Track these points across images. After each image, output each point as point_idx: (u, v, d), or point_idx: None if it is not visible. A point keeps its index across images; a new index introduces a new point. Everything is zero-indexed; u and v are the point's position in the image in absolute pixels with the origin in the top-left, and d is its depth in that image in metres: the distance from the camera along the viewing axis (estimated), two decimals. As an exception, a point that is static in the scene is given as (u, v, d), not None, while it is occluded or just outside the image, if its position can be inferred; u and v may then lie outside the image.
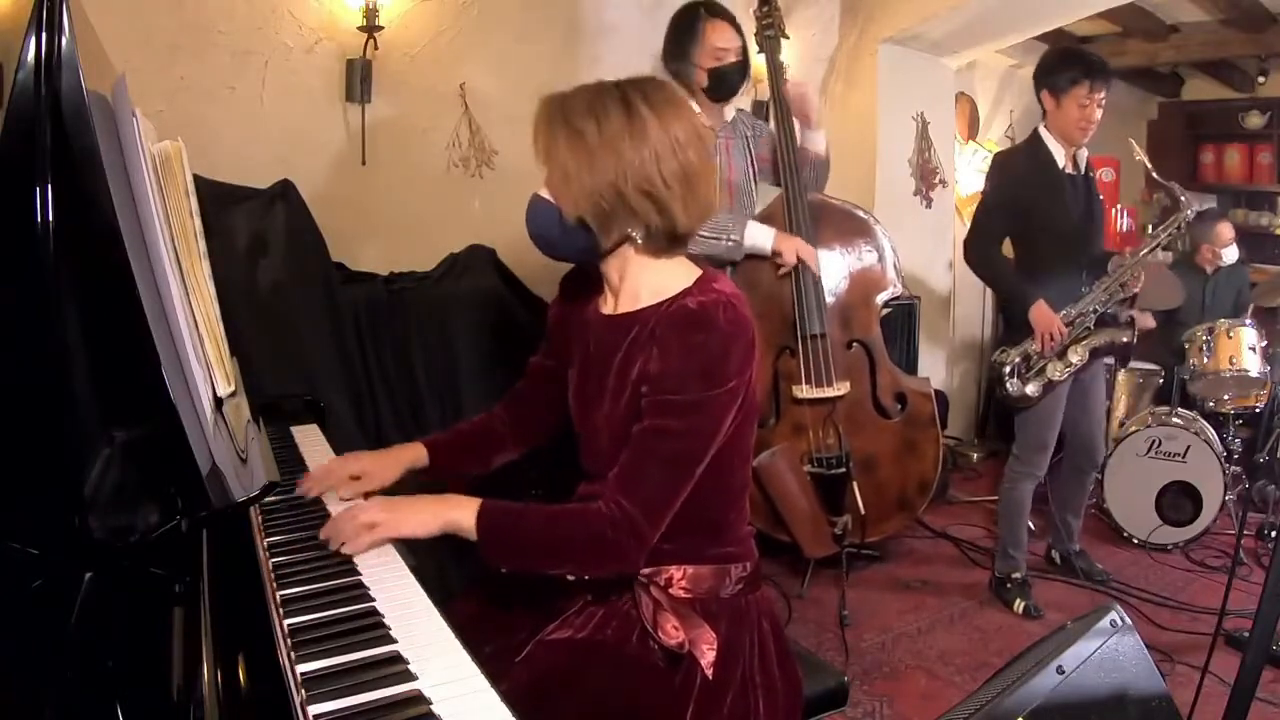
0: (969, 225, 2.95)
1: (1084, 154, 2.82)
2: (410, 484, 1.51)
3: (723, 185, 2.83)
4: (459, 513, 1.22)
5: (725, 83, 2.71)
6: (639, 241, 1.23)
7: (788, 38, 3.03)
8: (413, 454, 1.50)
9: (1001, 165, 2.91)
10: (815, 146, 2.87)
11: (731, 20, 2.72)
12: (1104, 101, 2.68)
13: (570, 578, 1.23)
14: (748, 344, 1.22)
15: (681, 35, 2.70)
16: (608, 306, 1.34)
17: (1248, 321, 3.62)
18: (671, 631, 1.23)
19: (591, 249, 1.25)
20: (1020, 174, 2.79)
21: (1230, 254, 4.21)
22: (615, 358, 1.28)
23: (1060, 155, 2.76)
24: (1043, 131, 2.78)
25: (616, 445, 1.24)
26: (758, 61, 3.06)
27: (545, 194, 1.24)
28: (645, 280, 1.28)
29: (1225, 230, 4.20)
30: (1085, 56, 2.75)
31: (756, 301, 2.91)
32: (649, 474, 1.19)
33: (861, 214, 3.11)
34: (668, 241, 1.24)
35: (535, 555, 1.22)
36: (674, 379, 1.19)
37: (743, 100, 3.84)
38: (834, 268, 3.03)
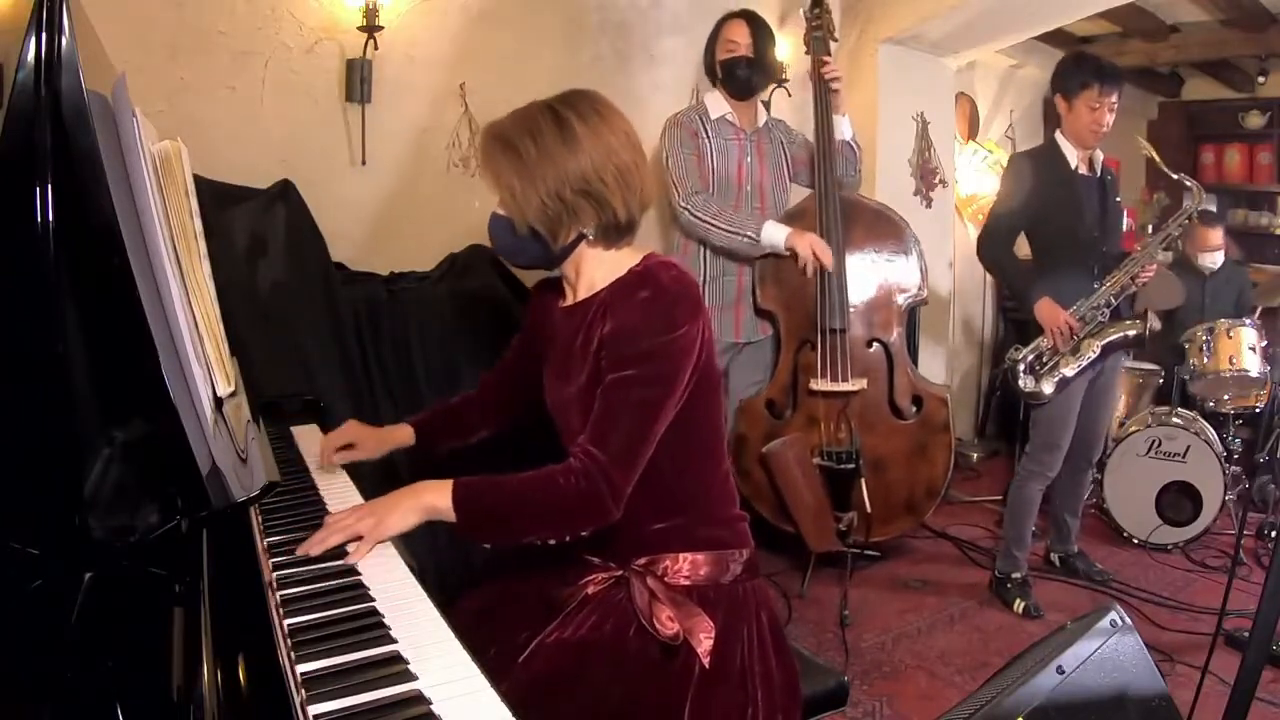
0: (983, 224, 2.99)
1: (1099, 157, 2.86)
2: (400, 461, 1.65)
3: (754, 187, 2.94)
4: (434, 497, 1.24)
5: (734, 76, 2.86)
6: (591, 237, 1.34)
7: (836, 40, 3.08)
8: (401, 435, 1.63)
9: (1015, 166, 2.96)
10: (841, 134, 2.97)
11: (750, 20, 2.86)
12: (1115, 105, 2.74)
13: (552, 541, 1.25)
14: (694, 299, 1.31)
15: (710, 39, 2.94)
16: (567, 300, 1.43)
17: (1248, 321, 3.61)
18: (666, 622, 1.25)
19: (545, 255, 1.36)
20: (1032, 174, 2.84)
21: (1212, 259, 4.08)
22: (577, 341, 1.35)
23: (1074, 157, 2.81)
24: (1058, 135, 2.85)
25: (586, 417, 1.28)
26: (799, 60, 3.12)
27: (501, 210, 1.35)
28: (599, 271, 1.37)
29: (1213, 236, 4.09)
30: (1095, 61, 2.81)
31: (783, 294, 2.97)
32: (616, 423, 1.25)
33: (894, 216, 3.13)
34: (617, 233, 1.35)
35: (513, 522, 1.25)
36: (627, 333, 1.26)
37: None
38: (862, 267, 3.05)
